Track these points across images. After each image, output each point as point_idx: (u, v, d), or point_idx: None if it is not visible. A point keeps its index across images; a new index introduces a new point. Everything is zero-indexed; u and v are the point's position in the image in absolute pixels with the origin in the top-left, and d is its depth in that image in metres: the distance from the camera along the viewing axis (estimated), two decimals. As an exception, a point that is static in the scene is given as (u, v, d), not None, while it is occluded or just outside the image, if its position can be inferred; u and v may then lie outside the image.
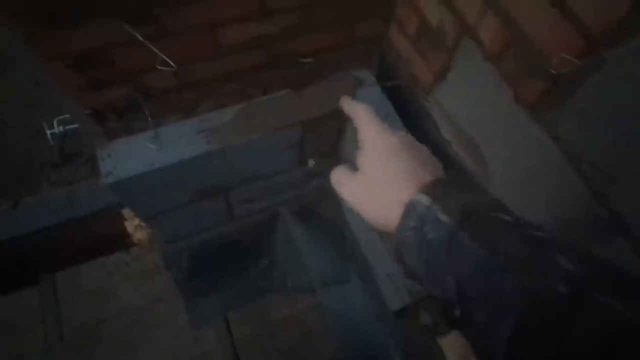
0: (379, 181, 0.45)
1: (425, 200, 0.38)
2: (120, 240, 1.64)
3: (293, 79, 1.14)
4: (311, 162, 1.31)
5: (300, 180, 1.41)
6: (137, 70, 0.95)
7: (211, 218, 1.37)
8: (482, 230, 0.34)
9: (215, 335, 1.54)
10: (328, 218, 1.56)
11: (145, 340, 1.52)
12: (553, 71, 0.71)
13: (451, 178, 0.44)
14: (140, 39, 0.84)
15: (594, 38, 0.64)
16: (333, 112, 1.13)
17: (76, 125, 1.28)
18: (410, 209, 0.39)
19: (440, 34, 1.03)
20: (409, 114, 1.22)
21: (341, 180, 0.50)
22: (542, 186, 0.87)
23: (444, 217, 0.36)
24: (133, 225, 1.60)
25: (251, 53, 1.03)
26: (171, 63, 0.87)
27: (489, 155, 1.00)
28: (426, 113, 1.18)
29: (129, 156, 0.99)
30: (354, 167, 0.50)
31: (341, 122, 1.20)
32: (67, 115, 1.26)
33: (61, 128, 1.28)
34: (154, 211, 1.18)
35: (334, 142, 1.27)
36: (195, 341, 1.54)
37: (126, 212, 1.59)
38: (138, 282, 1.62)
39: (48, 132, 1.28)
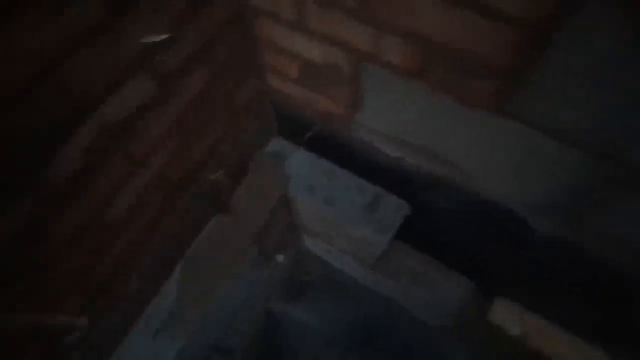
0: None
1: None
2: None
3: (213, 201, 0.93)
4: (280, 258, 1.12)
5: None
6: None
7: None
8: None
9: None
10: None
11: None
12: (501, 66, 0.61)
13: None
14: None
15: (532, 27, 0.54)
16: (276, 208, 0.95)
17: None
18: None
19: (331, 69, 0.88)
20: (346, 152, 1.08)
21: None
22: (532, 166, 0.79)
23: None
24: None
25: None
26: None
27: (456, 158, 0.90)
28: (362, 142, 1.04)
29: None
30: None
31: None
32: None
33: None
34: None
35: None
36: None
37: None
38: None
39: None
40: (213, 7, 0.75)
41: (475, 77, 0.66)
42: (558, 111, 0.65)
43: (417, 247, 1.22)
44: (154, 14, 0.63)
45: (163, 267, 0.93)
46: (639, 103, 0.56)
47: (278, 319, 1.38)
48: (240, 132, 1.04)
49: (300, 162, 0.99)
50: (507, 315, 1.33)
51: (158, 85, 0.74)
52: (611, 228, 0.82)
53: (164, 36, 0.61)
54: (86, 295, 0.75)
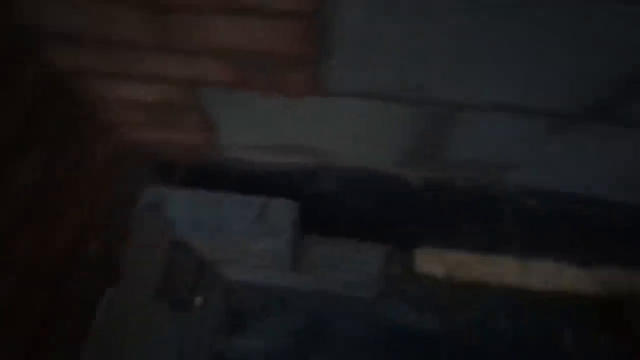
0: None
1: None
2: None
3: (103, 275, 0.88)
4: (199, 300, 1.10)
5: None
6: None
7: None
8: None
9: None
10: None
11: None
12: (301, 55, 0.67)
13: None
14: None
15: (306, 14, 0.61)
16: (170, 256, 0.93)
17: None
18: None
19: (170, 104, 0.89)
20: (223, 175, 1.09)
21: None
22: (374, 129, 0.88)
23: None
24: None
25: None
26: None
27: (317, 145, 0.96)
28: (233, 160, 1.06)
29: None
30: None
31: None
32: None
33: None
34: None
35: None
36: None
37: None
38: None
39: None
40: (9, 88, 0.71)
41: (287, 72, 0.71)
42: (365, 77, 0.73)
43: (327, 234, 1.28)
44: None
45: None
46: (416, 53, 0.66)
47: (228, 358, 1.34)
48: (110, 195, 1.00)
49: (179, 202, 0.98)
50: (428, 262, 1.45)
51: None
52: (460, 156, 0.94)
53: None
54: None
